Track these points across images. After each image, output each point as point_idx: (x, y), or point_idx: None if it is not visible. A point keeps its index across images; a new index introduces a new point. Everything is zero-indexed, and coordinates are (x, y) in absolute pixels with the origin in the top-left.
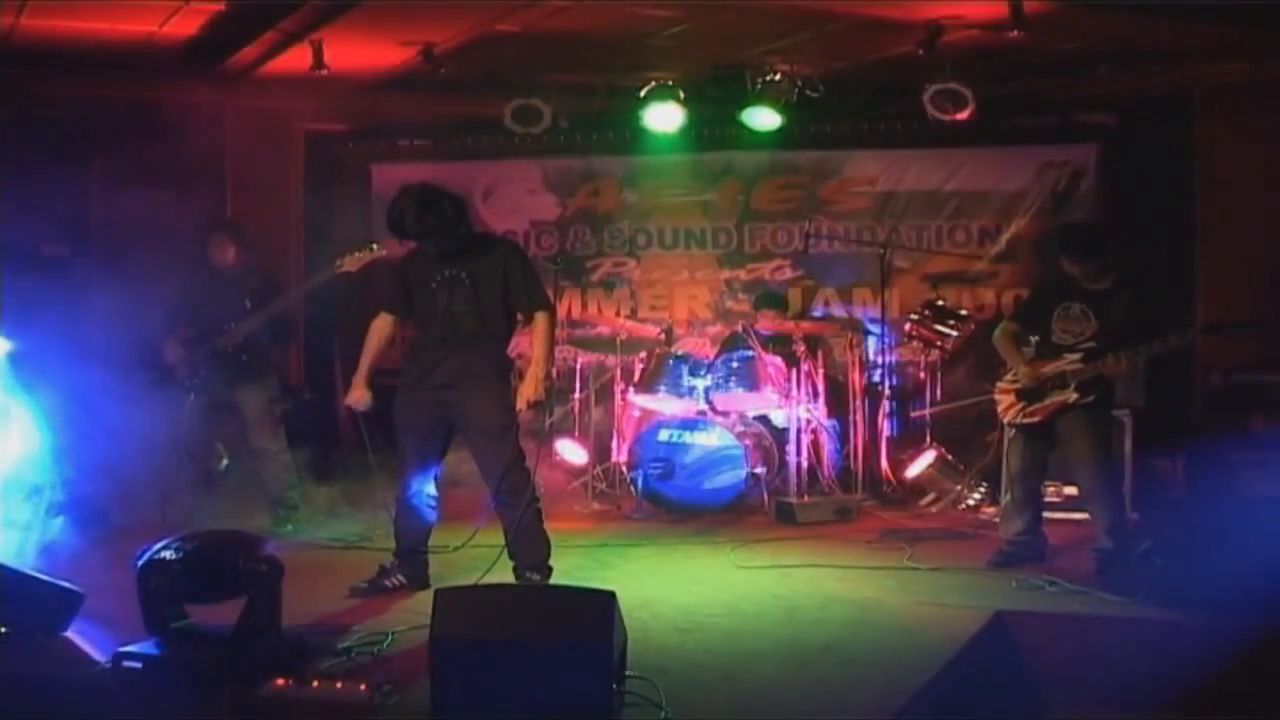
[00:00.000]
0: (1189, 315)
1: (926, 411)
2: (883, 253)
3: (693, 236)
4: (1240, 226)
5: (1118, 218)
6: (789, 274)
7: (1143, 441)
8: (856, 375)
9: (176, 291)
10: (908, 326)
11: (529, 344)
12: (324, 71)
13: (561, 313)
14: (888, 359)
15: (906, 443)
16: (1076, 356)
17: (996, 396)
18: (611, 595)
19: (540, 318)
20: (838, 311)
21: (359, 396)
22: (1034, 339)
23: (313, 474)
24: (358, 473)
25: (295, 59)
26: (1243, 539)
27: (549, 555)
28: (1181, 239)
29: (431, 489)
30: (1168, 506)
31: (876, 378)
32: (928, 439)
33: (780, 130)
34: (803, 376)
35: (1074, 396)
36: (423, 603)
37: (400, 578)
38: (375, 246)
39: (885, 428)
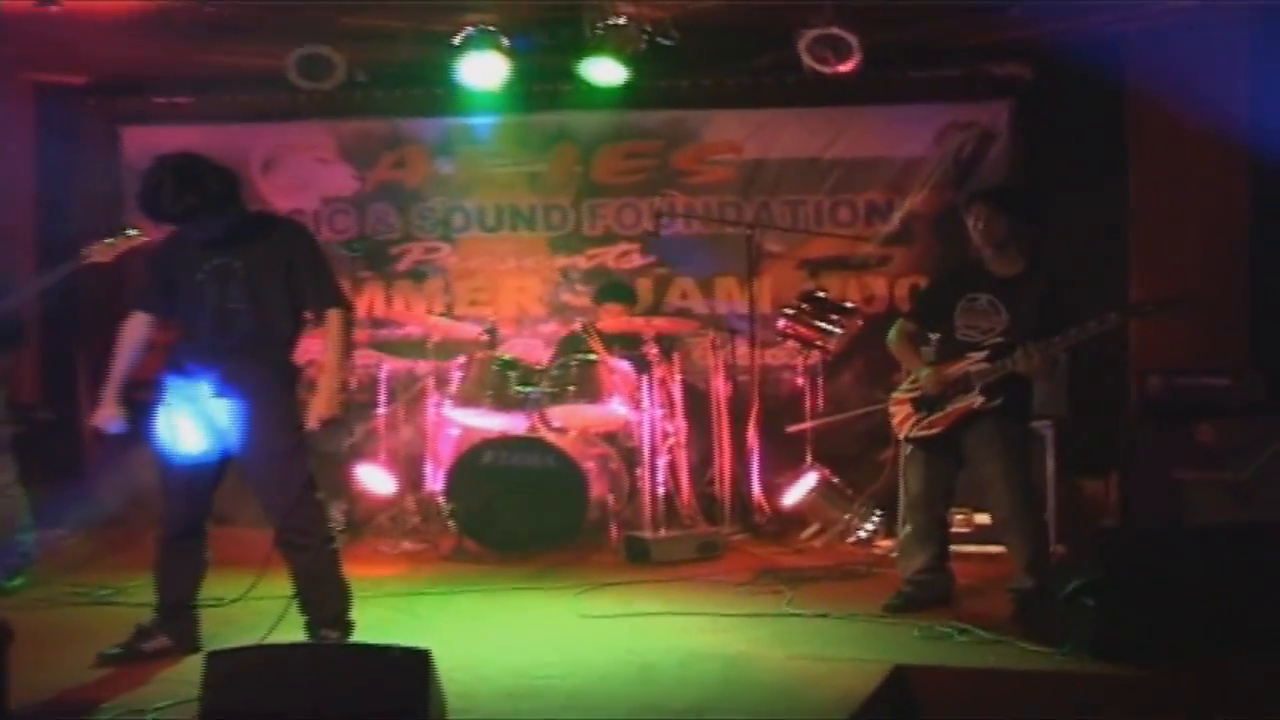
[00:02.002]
0: (1121, 302)
1: (807, 426)
2: (750, 234)
3: (520, 216)
4: (1180, 195)
5: (1032, 189)
6: (638, 261)
7: (1068, 459)
8: (721, 383)
9: None
10: (782, 323)
11: (321, 348)
12: (55, 7)
13: (361, 310)
14: (758, 363)
15: (783, 464)
16: (982, 355)
17: (891, 407)
18: (426, 655)
19: (334, 316)
20: (697, 306)
21: (109, 415)
22: (934, 336)
23: (50, 513)
24: (107, 510)
25: None
26: (1190, 576)
27: (349, 607)
28: (1111, 212)
29: (202, 528)
30: (1099, 537)
31: (745, 385)
32: (808, 459)
33: (626, 87)
34: (656, 384)
35: (979, 401)
36: (191, 670)
37: (163, 640)
38: (131, 231)
39: (757, 446)
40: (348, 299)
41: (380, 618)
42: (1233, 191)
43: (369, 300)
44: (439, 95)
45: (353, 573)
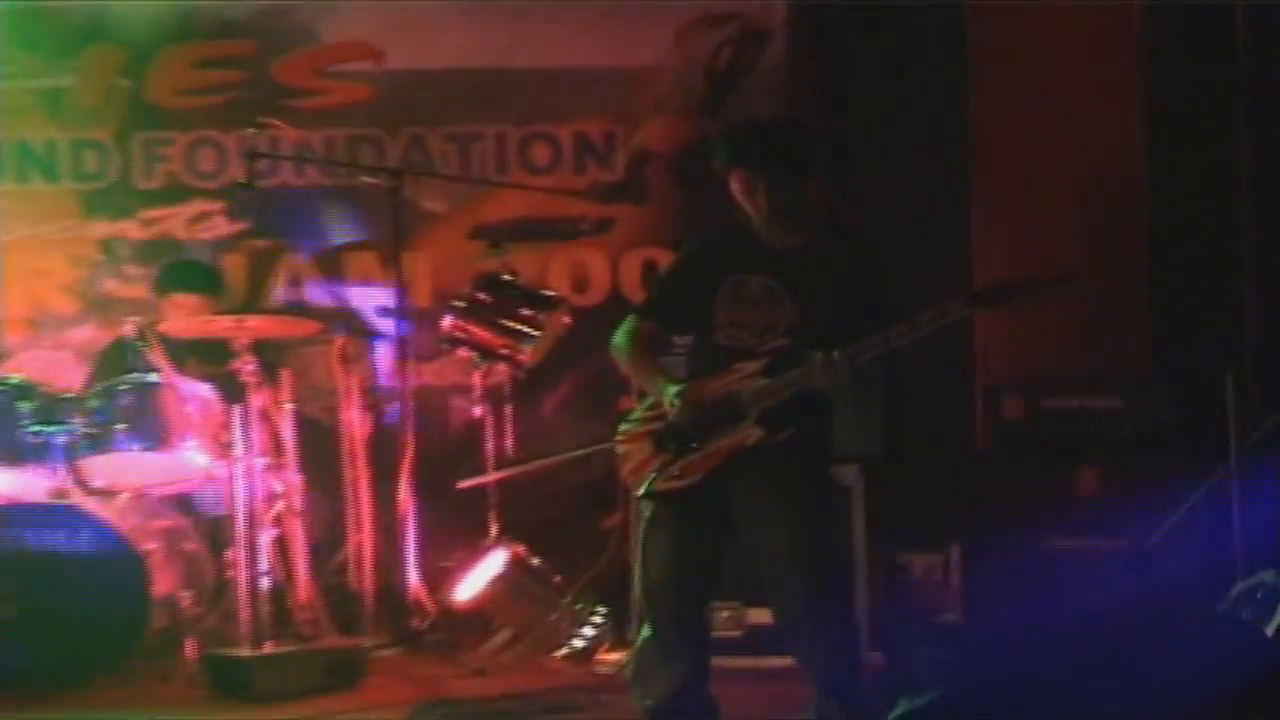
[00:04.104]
0: (962, 284)
1: (489, 479)
2: (397, 187)
3: (32, 158)
4: (1048, 130)
5: (828, 118)
6: (223, 228)
7: (886, 521)
8: (355, 414)
9: None
10: (449, 323)
11: None
12: None
13: None
14: (414, 383)
15: (454, 538)
16: (757, 365)
17: (620, 448)
18: None
19: None
20: (317, 297)
21: None
22: (683, 340)
23: None
24: None
25: None
26: (1066, 693)
27: None
28: (948, 154)
29: None
30: (935, 638)
31: (393, 417)
32: (493, 530)
33: None
34: (255, 418)
35: (754, 435)
36: None
37: None
38: None
39: (413, 511)
40: None
41: None
42: (1124, 127)
43: None
44: None
45: None
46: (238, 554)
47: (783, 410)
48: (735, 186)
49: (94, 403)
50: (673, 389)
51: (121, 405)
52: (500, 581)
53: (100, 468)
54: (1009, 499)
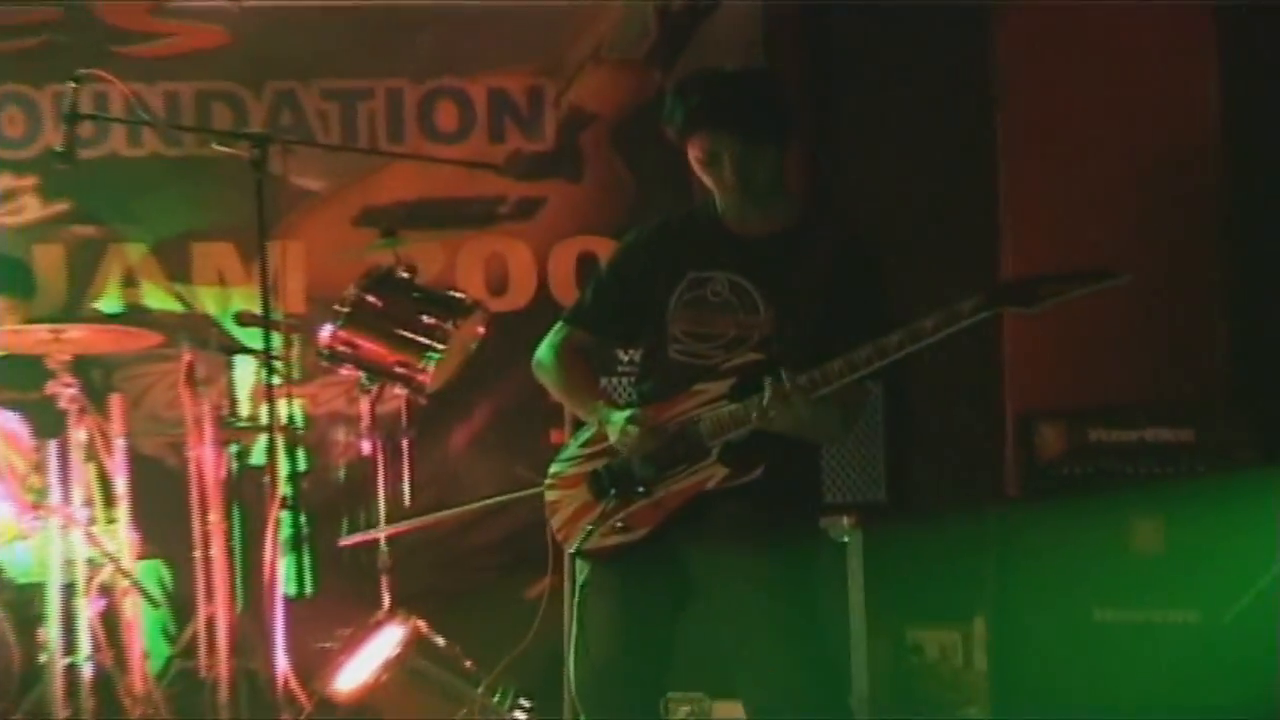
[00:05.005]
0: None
1: (380, 533)
2: (261, 157)
3: None
4: (1093, 97)
5: (810, 70)
6: (31, 211)
7: (892, 587)
8: (208, 451)
9: None
10: (328, 334)
11: None
12: None
13: None
14: (282, 411)
15: (336, 609)
16: (723, 387)
17: (549, 493)
18: None
19: None
20: (155, 300)
21: None
22: (628, 356)
23: None
24: None
25: None
26: None
27: None
28: (967, 120)
29: None
30: None
31: (256, 457)
32: (385, 600)
33: None
34: (75, 456)
35: (720, 475)
36: None
37: None
38: None
39: (282, 574)
40: None
41: None
42: (1193, 95)
43: None
44: None
45: None
46: (53, 632)
47: (754, 444)
48: (693, 156)
49: None
50: (617, 417)
51: None
52: (394, 666)
53: None
54: (1047, 558)
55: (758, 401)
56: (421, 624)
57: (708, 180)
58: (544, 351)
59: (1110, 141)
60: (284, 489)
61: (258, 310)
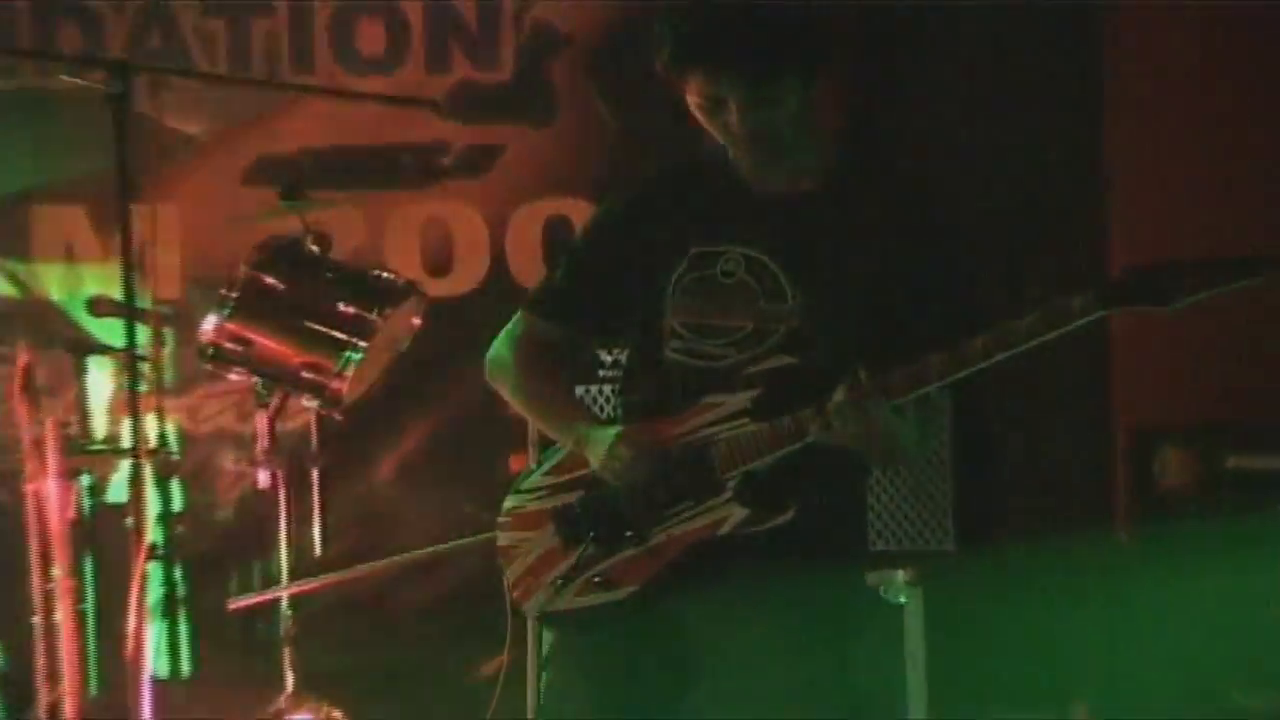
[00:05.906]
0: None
1: (280, 592)
2: (120, 92)
3: None
4: (1212, 50)
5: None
6: None
7: (964, 660)
8: (51, 484)
9: None
10: (214, 327)
11: None
12: None
13: None
14: (150, 430)
15: (223, 690)
16: (740, 401)
17: (504, 536)
18: None
19: None
20: None
21: None
22: (610, 357)
23: None
24: None
25: None
26: None
27: None
28: (1066, 68)
29: None
30: None
31: (115, 493)
32: (289, 680)
33: None
34: None
35: (735, 517)
36: None
37: None
38: None
39: (148, 648)
40: None
41: None
42: None
43: None
44: None
45: None
46: None
47: (782, 476)
48: (691, 100)
49: None
50: (602, 436)
51: None
52: None
53: None
54: (1172, 621)
55: (831, 407)
56: (338, 714)
57: (712, 130)
58: (500, 349)
59: (1242, 94)
60: (153, 534)
61: (117, 295)
